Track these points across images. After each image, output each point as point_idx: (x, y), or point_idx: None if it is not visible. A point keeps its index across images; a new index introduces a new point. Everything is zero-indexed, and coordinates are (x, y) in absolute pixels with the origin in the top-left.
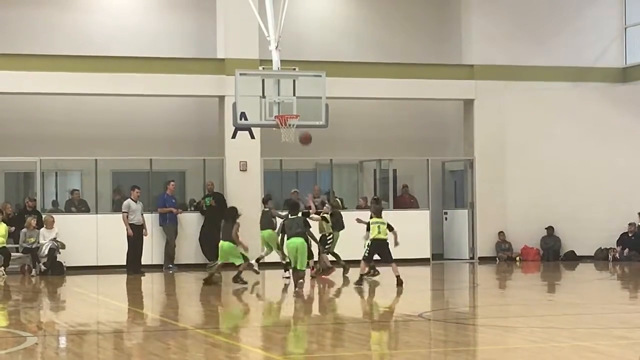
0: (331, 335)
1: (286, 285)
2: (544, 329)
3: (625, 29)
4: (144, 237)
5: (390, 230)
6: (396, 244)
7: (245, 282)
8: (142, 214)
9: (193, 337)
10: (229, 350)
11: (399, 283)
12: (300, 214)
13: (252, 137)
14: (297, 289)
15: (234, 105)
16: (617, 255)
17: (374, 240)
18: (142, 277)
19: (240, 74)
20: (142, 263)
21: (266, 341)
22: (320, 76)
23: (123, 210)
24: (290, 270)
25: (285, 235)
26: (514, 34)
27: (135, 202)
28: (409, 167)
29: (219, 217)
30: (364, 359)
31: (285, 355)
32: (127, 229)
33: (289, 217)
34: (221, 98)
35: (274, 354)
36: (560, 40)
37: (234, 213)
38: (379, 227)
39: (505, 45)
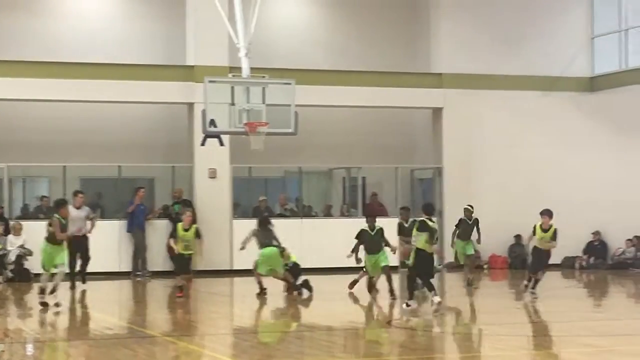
0: (301, 343)
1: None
2: (511, 337)
3: (593, 39)
4: (88, 234)
5: None
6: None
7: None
8: (90, 220)
9: (161, 344)
10: (196, 358)
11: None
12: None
13: (222, 144)
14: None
15: (203, 112)
16: (584, 263)
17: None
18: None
19: (210, 81)
20: (112, 270)
21: (235, 349)
22: (290, 84)
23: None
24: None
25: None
26: (482, 43)
27: (78, 208)
28: (378, 175)
29: None
30: None
31: None
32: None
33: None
34: (190, 105)
35: None
36: (528, 50)
37: (267, 220)
38: None
39: (474, 54)
